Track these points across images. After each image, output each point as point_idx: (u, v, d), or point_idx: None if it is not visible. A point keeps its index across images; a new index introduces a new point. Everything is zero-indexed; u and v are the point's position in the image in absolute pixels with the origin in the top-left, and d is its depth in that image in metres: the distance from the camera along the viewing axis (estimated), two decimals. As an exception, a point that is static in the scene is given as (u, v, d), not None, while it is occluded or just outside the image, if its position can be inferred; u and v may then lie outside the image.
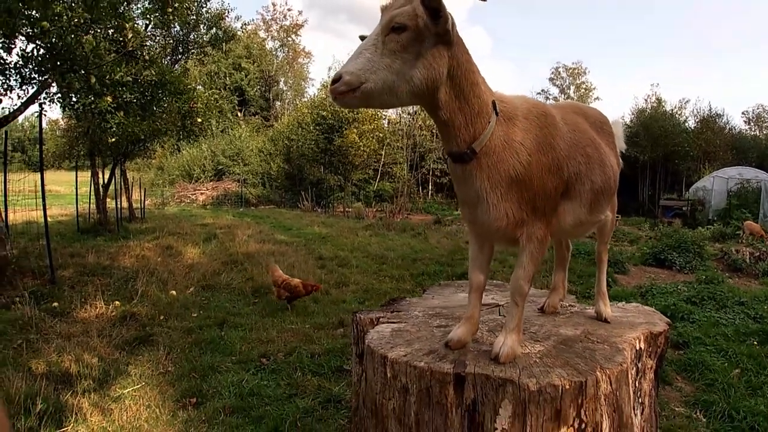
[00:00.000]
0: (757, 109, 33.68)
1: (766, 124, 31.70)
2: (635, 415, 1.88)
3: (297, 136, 23.84)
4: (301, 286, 6.11)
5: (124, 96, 7.88)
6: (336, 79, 1.47)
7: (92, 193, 12.63)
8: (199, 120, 10.33)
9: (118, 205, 13.47)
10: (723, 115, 27.33)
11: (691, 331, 5.15)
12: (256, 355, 4.54)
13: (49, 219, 14.87)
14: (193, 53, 14.25)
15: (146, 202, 18.47)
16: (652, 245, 11.27)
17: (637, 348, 1.99)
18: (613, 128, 2.37)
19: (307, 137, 23.03)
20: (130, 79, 8.11)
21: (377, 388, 1.90)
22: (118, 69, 7.24)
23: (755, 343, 4.93)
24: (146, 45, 8.66)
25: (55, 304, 5.57)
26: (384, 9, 1.50)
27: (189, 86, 9.64)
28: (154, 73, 8.53)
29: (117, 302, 5.79)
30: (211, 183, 25.30)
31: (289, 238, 12.30)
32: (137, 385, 3.80)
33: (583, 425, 1.64)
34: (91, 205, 13.00)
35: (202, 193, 23.99)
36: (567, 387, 1.60)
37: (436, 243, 12.00)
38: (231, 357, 4.48)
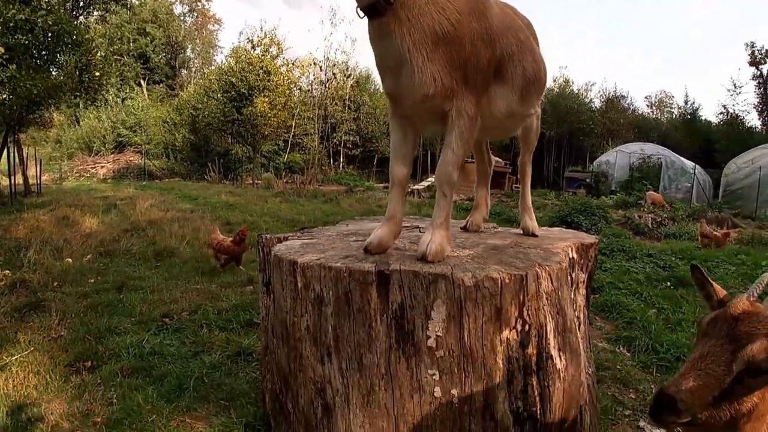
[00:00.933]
0: (660, 94, 36.24)
1: (668, 108, 34.17)
2: (577, 323, 1.73)
3: (203, 105, 22.38)
4: (232, 245, 5.56)
5: (17, 37, 6.84)
6: None
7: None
8: (98, 74, 9.26)
9: (12, 181, 11.98)
10: (627, 97, 29.27)
11: (604, 278, 5.25)
12: (158, 315, 4.06)
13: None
14: (95, 7, 12.89)
15: (43, 178, 16.68)
16: (559, 210, 11.68)
17: (570, 257, 1.84)
18: None
19: (214, 106, 21.66)
20: (24, 18, 7.06)
21: (287, 305, 1.61)
22: (11, 6, 6.27)
23: (669, 285, 5.09)
24: None
25: (-62, 277, 4.75)
26: None
27: (87, 37, 8.58)
28: (50, 21, 7.50)
29: (7, 271, 5.07)
30: (112, 156, 23.19)
31: (195, 206, 11.52)
32: (25, 351, 3.29)
33: (527, 327, 1.44)
34: (-19, 179, 11.48)
35: (102, 167, 21.91)
36: (507, 281, 1.39)
37: (348, 206, 11.79)
38: (130, 318, 3.97)
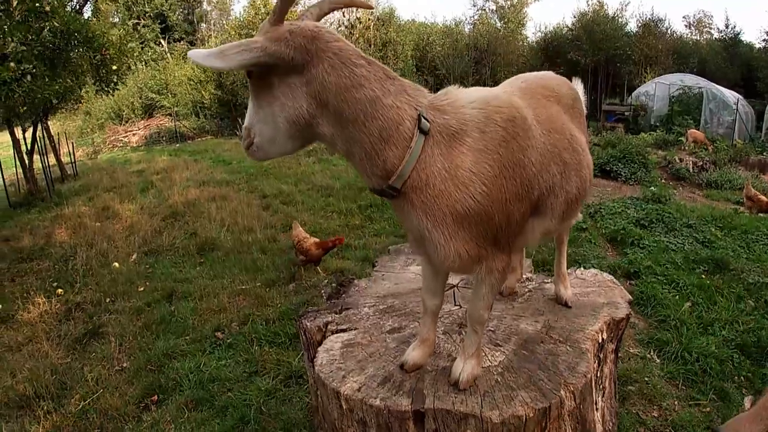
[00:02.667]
0: (698, 14, 33.75)
1: (707, 29, 31.86)
2: (596, 408, 1.85)
3: (226, 60, 22.10)
4: (314, 248, 5.27)
5: (26, 55, 6.86)
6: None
7: (17, 160, 11.35)
8: (114, 68, 9.32)
9: (46, 163, 12.20)
10: (665, 20, 27.29)
11: (641, 259, 5.23)
12: (210, 329, 4.32)
13: (-25, 195, 13.03)
14: None
15: (77, 153, 17.01)
16: (598, 155, 11.40)
17: (600, 341, 1.92)
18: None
19: (236, 62, 21.38)
20: (31, 37, 7.05)
21: (334, 415, 1.77)
22: (10, 39, 6.22)
23: (704, 274, 4.99)
24: None
25: (0, 306, 5.11)
26: None
27: (97, 32, 8.56)
28: (57, 24, 7.47)
29: (60, 290, 5.39)
30: (143, 121, 23.49)
31: (230, 175, 11.73)
32: (95, 393, 3.51)
33: (548, 445, 1.58)
34: (18, 172, 11.72)
35: (134, 134, 22.26)
36: (531, 415, 1.51)
37: None
38: (185, 337, 4.21)
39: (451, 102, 1.36)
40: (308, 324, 2.13)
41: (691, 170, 11.40)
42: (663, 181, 11.00)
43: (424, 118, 1.29)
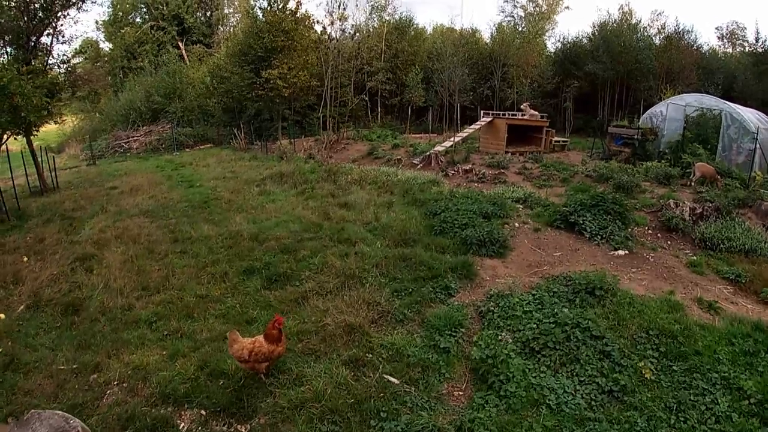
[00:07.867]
0: (731, 25, 31.47)
1: (740, 41, 29.59)
2: None
3: (229, 67, 21.79)
4: (269, 343, 4.45)
5: None
6: None
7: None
8: (23, 114, 9.33)
9: (27, 179, 12.25)
10: (692, 32, 25.32)
11: (483, 423, 3.59)
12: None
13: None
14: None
15: (81, 157, 16.83)
16: (566, 202, 9.45)
17: None
18: None
19: (237, 71, 21.03)
20: None
21: None
22: None
23: None
24: None
25: None
26: None
27: (4, 81, 8.53)
28: None
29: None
30: (145, 128, 23.49)
31: (183, 199, 11.35)
32: None
33: None
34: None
35: (135, 140, 22.30)
36: None
37: (309, 210, 10.29)
38: None
39: None
40: None
41: (686, 219, 9.13)
42: (649, 231, 8.93)
43: None
